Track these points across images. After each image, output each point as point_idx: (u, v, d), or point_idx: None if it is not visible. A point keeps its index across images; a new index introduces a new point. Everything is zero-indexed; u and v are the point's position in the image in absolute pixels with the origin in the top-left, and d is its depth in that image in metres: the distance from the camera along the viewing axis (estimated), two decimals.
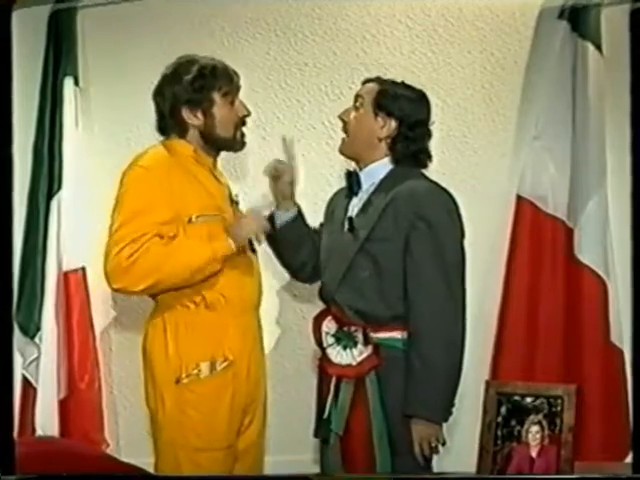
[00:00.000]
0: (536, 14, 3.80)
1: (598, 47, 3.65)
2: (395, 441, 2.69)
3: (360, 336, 2.75)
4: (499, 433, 2.74)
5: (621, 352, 3.61)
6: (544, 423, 2.68)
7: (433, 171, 3.80)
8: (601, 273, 3.62)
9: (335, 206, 3.01)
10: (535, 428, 2.69)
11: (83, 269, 3.83)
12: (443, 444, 2.70)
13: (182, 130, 2.88)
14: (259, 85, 3.88)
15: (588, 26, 3.66)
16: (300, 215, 3.03)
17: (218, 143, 2.90)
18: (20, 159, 3.24)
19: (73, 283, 3.82)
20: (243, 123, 2.93)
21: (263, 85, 3.88)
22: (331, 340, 2.81)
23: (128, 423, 3.91)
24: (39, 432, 3.70)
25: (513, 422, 2.73)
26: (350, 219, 2.85)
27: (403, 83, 2.95)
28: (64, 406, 3.77)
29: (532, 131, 3.74)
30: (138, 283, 2.70)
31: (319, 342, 2.84)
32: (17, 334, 3.73)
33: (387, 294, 2.74)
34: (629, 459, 2.89)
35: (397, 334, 2.74)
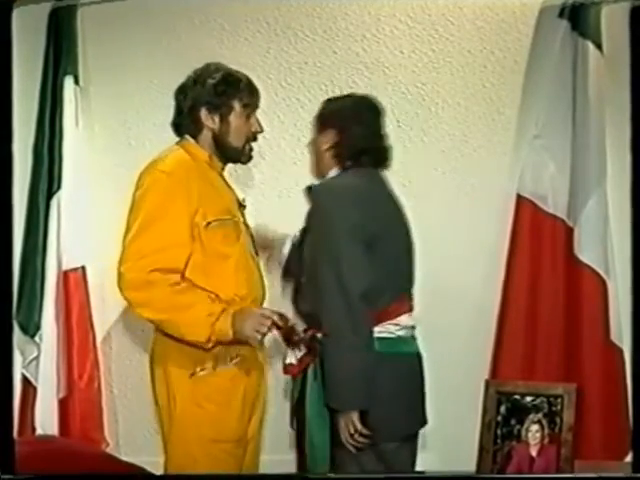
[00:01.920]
0: (536, 13, 3.79)
1: (598, 46, 3.65)
2: (333, 433, 2.79)
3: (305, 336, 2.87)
4: (499, 432, 2.74)
5: (621, 351, 3.61)
6: (544, 422, 2.69)
7: (434, 171, 3.83)
8: (601, 272, 3.62)
9: None
10: (535, 427, 2.69)
11: (83, 268, 3.83)
12: (363, 434, 2.74)
13: (196, 130, 2.92)
14: (259, 85, 3.86)
15: (588, 25, 3.66)
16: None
17: (228, 151, 2.95)
18: (20, 159, 3.24)
19: (73, 282, 3.82)
20: (254, 138, 2.99)
21: (263, 85, 3.87)
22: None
23: (128, 422, 3.92)
24: (39, 431, 3.70)
25: (513, 421, 2.73)
26: (303, 229, 2.96)
27: (347, 95, 3.11)
28: (64, 405, 3.77)
29: (532, 130, 3.74)
30: (147, 312, 2.77)
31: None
32: (17, 333, 3.73)
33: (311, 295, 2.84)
34: (629, 458, 2.89)
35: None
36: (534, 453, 2.68)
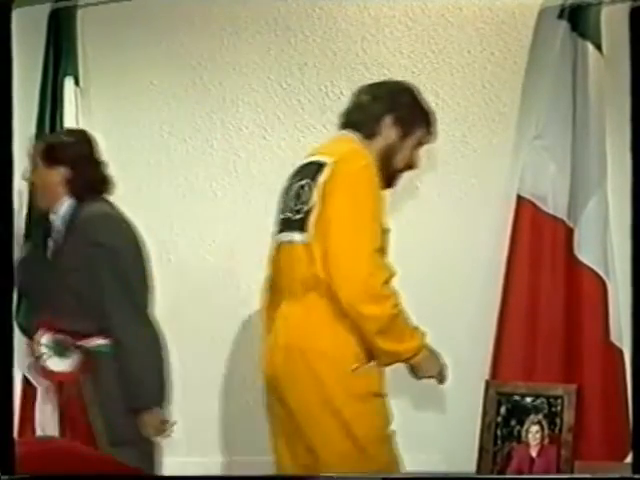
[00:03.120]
0: (536, 14, 3.80)
1: (598, 47, 3.65)
2: (115, 433, 2.94)
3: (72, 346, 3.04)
4: (499, 433, 2.74)
5: (621, 352, 3.61)
6: (544, 423, 2.68)
7: (434, 171, 3.82)
8: (601, 273, 3.62)
9: None
10: (535, 428, 2.69)
11: None
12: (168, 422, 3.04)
13: (371, 134, 2.88)
14: (259, 85, 3.88)
15: (588, 26, 3.66)
16: None
17: (386, 168, 2.87)
18: (20, 159, 3.23)
19: None
20: (400, 172, 2.94)
21: (263, 85, 3.88)
22: (46, 350, 3.09)
23: None
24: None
25: (513, 422, 2.73)
26: (52, 255, 3.12)
27: (65, 130, 3.57)
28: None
29: (532, 131, 3.74)
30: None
31: (34, 353, 3.14)
32: (17, 334, 3.72)
33: (89, 313, 3.01)
34: (629, 459, 2.89)
35: (103, 341, 3.01)
36: (534, 454, 2.67)
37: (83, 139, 3.21)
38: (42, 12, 3.85)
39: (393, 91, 2.94)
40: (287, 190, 2.93)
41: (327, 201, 2.74)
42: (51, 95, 3.84)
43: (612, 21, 3.62)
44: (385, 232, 2.80)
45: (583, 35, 3.66)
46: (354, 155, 2.82)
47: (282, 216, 2.92)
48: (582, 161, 3.65)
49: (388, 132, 2.88)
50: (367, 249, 2.69)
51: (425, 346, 2.79)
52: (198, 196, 3.89)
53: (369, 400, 2.76)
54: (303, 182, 2.84)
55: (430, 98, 3.44)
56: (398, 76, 3.77)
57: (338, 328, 2.74)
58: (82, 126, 3.87)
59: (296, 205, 2.84)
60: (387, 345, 2.73)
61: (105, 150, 3.88)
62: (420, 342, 2.78)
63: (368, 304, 2.69)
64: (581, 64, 3.65)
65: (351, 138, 2.89)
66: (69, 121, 3.83)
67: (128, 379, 2.97)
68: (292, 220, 2.84)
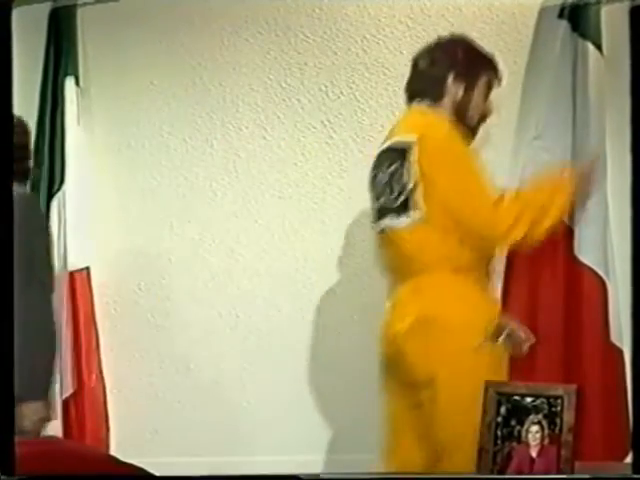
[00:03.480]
0: (536, 14, 3.79)
1: (598, 47, 3.64)
2: None
3: None
4: (499, 433, 2.73)
5: (621, 352, 3.60)
6: (544, 423, 2.68)
7: None
8: (601, 273, 3.62)
9: None
10: (535, 428, 2.68)
11: (87, 269, 3.84)
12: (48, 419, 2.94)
13: (438, 96, 2.92)
14: (259, 85, 3.88)
15: (588, 25, 3.66)
16: None
17: (462, 125, 2.92)
18: None
19: (79, 283, 3.83)
20: (478, 124, 2.99)
21: (263, 85, 3.88)
22: None
23: (129, 423, 3.91)
24: None
25: (513, 422, 2.72)
26: None
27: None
28: (67, 406, 3.78)
29: (532, 131, 3.73)
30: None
31: None
32: None
33: None
34: (629, 459, 2.89)
35: None
36: (534, 454, 2.67)
37: (22, 130, 3.11)
38: (42, 12, 3.85)
39: (447, 49, 2.97)
40: (375, 179, 2.97)
41: (431, 178, 2.81)
42: (51, 95, 3.85)
43: (612, 20, 3.62)
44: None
45: (583, 35, 3.65)
46: (433, 126, 2.87)
47: (379, 204, 2.96)
48: (582, 161, 3.65)
49: (454, 90, 2.92)
50: (490, 200, 2.81)
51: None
52: (198, 196, 3.89)
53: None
54: (393, 168, 2.88)
55: None
56: (398, 76, 3.78)
57: (470, 301, 2.84)
58: (82, 126, 3.87)
59: (393, 190, 2.88)
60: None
61: (105, 150, 3.91)
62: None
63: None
64: (581, 64, 3.65)
65: (421, 109, 2.94)
66: (70, 121, 3.83)
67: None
68: (394, 205, 2.88)
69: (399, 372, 2.88)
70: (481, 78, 2.95)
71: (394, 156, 2.88)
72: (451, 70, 2.92)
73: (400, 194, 2.85)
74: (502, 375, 2.87)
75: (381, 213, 2.95)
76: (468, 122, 2.94)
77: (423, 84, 2.95)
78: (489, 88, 2.98)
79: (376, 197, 2.97)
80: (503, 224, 2.80)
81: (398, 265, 2.96)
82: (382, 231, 2.98)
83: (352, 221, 3.75)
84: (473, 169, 2.82)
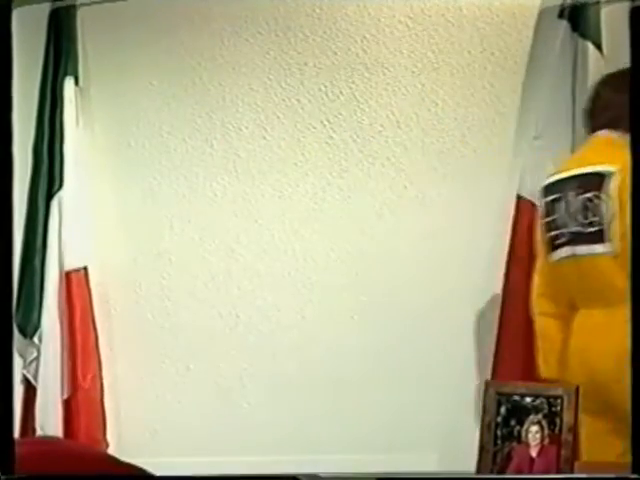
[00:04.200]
0: (536, 14, 3.79)
1: (598, 47, 3.65)
2: None
3: None
4: (499, 433, 2.73)
5: None
6: (544, 423, 2.68)
7: (433, 172, 3.82)
8: None
9: None
10: (535, 428, 2.68)
11: (85, 269, 3.83)
12: None
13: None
14: (259, 85, 3.88)
15: (588, 25, 3.66)
16: None
17: None
18: (20, 159, 3.23)
19: (75, 283, 3.82)
20: None
21: (263, 85, 3.88)
22: None
23: (128, 423, 3.91)
24: (39, 432, 3.70)
25: (513, 422, 2.72)
26: None
27: None
28: (67, 406, 3.78)
29: (532, 131, 3.74)
30: None
31: None
32: (16, 335, 3.72)
33: None
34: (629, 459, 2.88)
35: None
36: (534, 454, 2.67)
37: None
38: (42, 12, 3.85)
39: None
40: (562, 204, 2.96)
41: (625, 213, 2.72)
42: (51, 95, 3.84)
43: (612, 20, 3.62)
44: None
45: (583, 35, 3.66)
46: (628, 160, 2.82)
47: (568, 229, 2.95)
48: None
49: None
50: None
51: None
52: (198, 196, 3.89)
53: None
54: (589, 195, 2.84)
55: (430, 98, 3.46)
56: (398, 76, 3.79)
57: None
58: (82, 125, 3.87)
59: (587, 217, 2.86)
60: None
61: (105, 150, 3.91)
62: None
63: None
64: (581, 64, 3.65)
65: (614, 139, 2.88)
66: (69, 120, 3.83)
67: None
68: (586, 233, 2.87)
69: (600, 403, 2.85)
70: None
71: (589, 184, 2.85)
72: None
73: (593, 223, 2.84)
74: None
75: (571, 238, 2.94)
76: None
77: (613, 114, 2.89)
78: None
79: (563, 223, 2.96)
80: None
81: (580, 292, 2.96)
82: (568, 257, 2.96)
83: (352, 221, 3.75)
84: None
